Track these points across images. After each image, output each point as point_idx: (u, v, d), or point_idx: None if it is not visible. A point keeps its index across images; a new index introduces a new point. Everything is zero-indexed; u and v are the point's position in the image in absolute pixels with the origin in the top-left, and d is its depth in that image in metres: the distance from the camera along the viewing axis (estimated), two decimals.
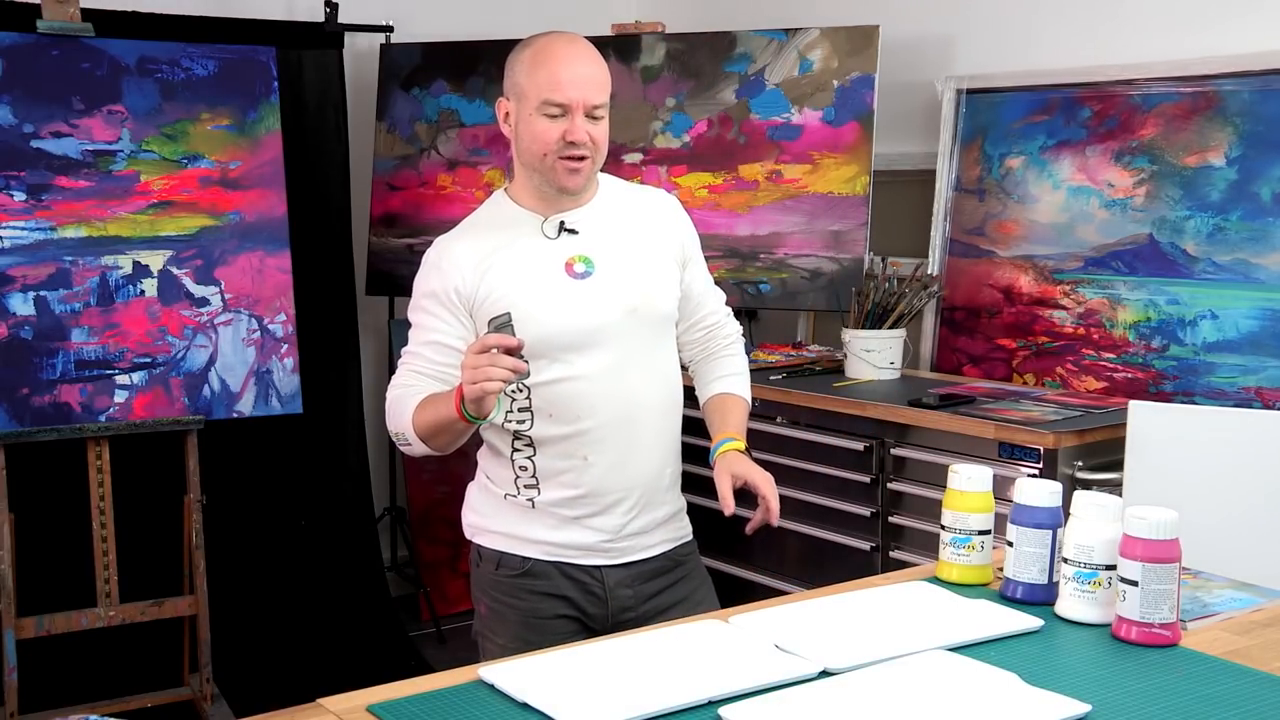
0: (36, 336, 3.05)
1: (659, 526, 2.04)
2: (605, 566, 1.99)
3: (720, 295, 2.19)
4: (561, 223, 1.97)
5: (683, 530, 2.10)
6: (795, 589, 2.75)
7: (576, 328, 1.93)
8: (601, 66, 1.95)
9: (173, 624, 3.36)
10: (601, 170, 2.04)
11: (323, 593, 3.88)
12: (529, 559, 1.99)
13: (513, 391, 1.94)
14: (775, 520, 1.95)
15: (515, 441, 1.98)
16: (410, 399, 1.92)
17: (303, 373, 3.37)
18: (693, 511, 2.14)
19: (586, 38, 2.00)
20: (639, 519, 2.00)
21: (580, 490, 1.97)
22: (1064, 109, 3.30)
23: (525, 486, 1.99)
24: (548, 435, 1.95)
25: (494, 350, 1.72)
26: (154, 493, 3.46)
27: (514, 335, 1.76)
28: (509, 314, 1.82)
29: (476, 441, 2.04)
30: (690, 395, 2.15)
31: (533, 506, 1.99)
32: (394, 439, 1.97)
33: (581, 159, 1.92)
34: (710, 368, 2.16)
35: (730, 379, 2.14)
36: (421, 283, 1.99)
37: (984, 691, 1.36)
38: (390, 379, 2.00)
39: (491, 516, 2.03)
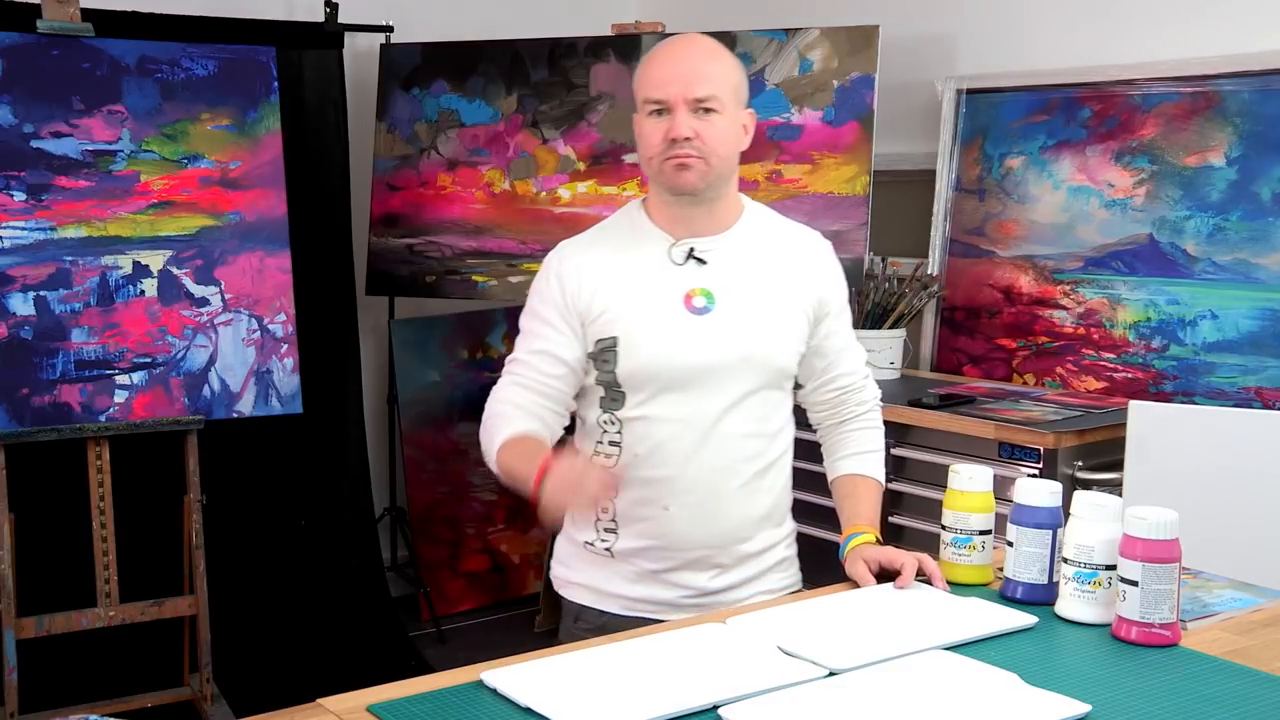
0: (36, 336, 3.05)
1: (752, 582, 1.91)
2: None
3: (860, 355, 1.99)
4: (691, 249, 1.84)
5: (785, 581, 1.97)
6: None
7: (684, 366, 1.80)
8: (708, 60, 1.80)
9: (173, 624, 3.36)
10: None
11: (323, 593, 3.88)
12: (606, 613, 1.89)
13: (603, 420, 1.86)
14: (914, 577, 1.73)
15: None
16: (503, 427, 1.83)
17: (303, 373, 3.37)
18: None
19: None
20: (725, 578, 1.88)
21: (658, 541, 1.85)
22: (1064, 109, 3.30)
23: (605, 530, 1.88)
24: (633, 476, 1.83)
25: (586, 480, 1.64)
26: (154, 493, 3.46)
27: (604, 366, 1.78)
28: (614, 338, 1.80)
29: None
30: (812, 451, 2.01)
31: (611, 555, 1.88)
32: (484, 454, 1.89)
33: (688, 156, 1.77)
34: (841, 440, 1.98)
35: (862, 458, 1.95)
36: (538, 287, 1.89)
37: (984, 692, 1.36)
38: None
39: (574, 568, 1.94)
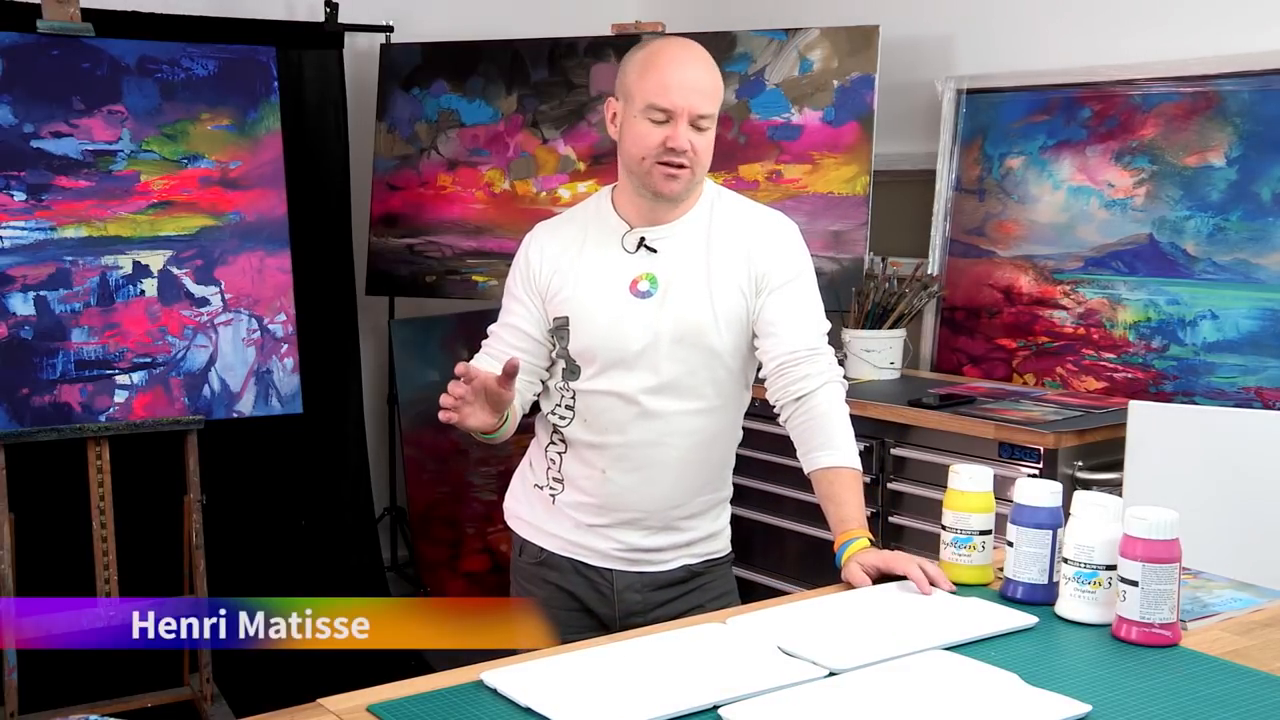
0: (36, 336, 3.05)
1: (681, 547, 2.03)
2: (617, 570, 2.02)
3: (811, 329, 1.95)
4: (642, 239, 1.96)
5: (710, 549, 2.07)
6: (795, 589, 2.75)
7: (623, 347, 1.93)
8: (713, 76, 1.91)
9: None
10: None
11: (323, 593, 3.87)
12: (545, 550, 2.04)
13: (560, 388, 2.00)
14: (932, 588, 1.69)
15: (553, 434, 2.03)
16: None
17: (303, 373, 3.37)
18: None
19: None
20: (656, 539, 2.01)
21: (596, 500, 1.99)
22: (1064, 109, 3.30)
23: (553, 480, 2.03)
24: (578, 438, 1.99)
25: (460, 385, 1.77)
26: (154, 493, 3.46)
27: (560, 342, 1.94)
28: (567, 318, 1.94)
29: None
30: (782, 444, 2.01)
31: (553, 503, 2.03)
32: None
33: (680, 167, 1.88)
34: (805, 428, 1.91)
35: (833, 451, 1.89)
36: (513, 266, 2.06)
37: (984, 692, 1.36)
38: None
39: (523, 503, 2.10)
